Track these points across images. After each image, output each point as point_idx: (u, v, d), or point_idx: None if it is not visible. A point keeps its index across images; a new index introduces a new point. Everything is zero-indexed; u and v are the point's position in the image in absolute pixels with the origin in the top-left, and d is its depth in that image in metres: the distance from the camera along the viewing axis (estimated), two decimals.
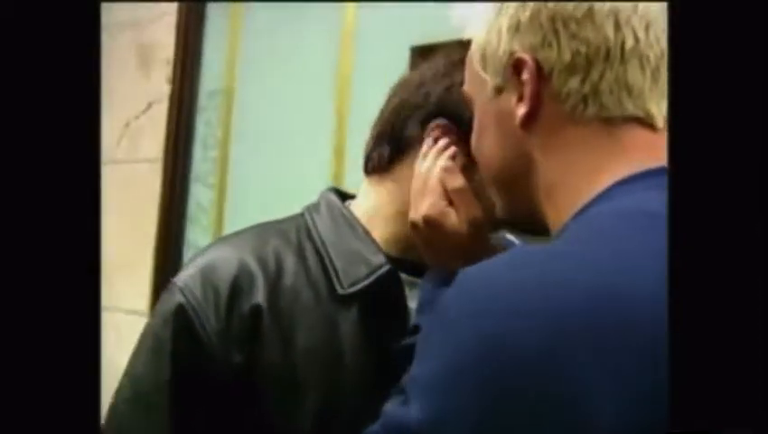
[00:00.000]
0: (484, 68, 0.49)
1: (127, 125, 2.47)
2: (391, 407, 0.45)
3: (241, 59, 2.24)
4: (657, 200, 0.39)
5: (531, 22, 0.45)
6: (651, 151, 0.44)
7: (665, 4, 0.44)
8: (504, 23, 0.47)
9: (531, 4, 0.45)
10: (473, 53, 0.51)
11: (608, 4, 0.44)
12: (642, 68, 0.44)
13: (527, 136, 0.47)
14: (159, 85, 2.40)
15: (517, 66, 0.46)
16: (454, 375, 0.37)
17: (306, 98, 2.04)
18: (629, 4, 0.44)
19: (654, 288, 0.35)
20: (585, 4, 0.44)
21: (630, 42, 0.44)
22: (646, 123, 0.45)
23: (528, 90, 0.46)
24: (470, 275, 0.40)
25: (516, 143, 0.47)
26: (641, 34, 0.44)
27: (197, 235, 2.32)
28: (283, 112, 2.11)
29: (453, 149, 0.64)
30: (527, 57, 0.45)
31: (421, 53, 1.81)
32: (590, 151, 0.45)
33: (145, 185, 2.40)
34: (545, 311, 0.35)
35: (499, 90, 0.48)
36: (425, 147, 0.67)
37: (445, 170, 0.61)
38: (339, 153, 1.94)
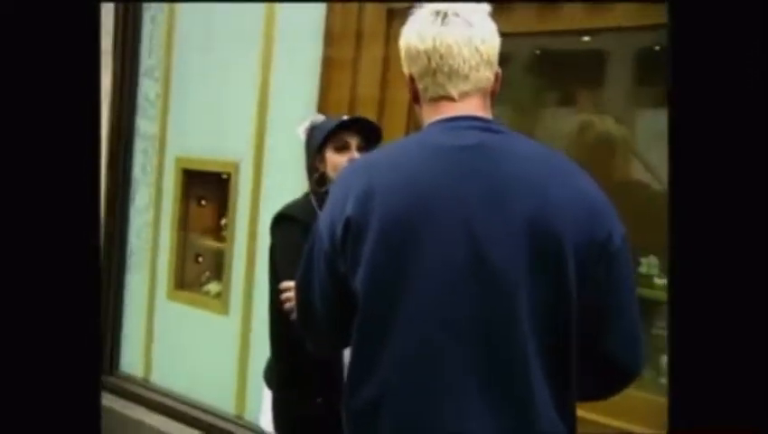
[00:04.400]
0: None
1: None
2: None
3: None
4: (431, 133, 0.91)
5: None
6: (450, 112, 0.90)
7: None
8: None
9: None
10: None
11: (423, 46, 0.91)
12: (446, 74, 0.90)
13: (418, 107, 0.95)
14: None
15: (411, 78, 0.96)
16: None
17: (240, 6, 2.22)
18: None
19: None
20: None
21: (434, 63, 0.90)
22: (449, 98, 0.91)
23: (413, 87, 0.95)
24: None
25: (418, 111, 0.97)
26: (439, 58, 0.90)
27: (146, 125, 2.52)
28: (219, 12, 2.30)
29: None
30: (407, 74, 0.95)
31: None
32: (427, 113, 0.93)
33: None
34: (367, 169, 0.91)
35: (412, 80, 0.95)
36: None
37: None
38: (266, 56, 2.17)
